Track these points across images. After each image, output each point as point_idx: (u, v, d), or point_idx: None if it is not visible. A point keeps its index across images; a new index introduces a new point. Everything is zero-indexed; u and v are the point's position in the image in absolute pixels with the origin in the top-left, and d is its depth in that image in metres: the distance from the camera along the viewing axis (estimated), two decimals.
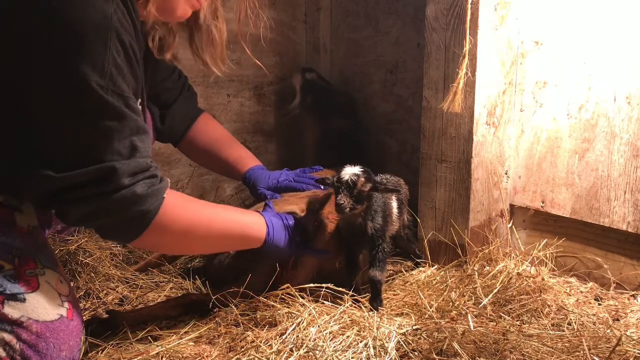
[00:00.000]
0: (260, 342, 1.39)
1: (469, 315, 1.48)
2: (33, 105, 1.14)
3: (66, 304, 1.25)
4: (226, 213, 1.54)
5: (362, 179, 1.56)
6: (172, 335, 1.52)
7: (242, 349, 1.40)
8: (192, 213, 1.40)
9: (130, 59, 1.19)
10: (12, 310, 1.16)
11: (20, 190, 1.26)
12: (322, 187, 1.79)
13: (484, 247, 1.94)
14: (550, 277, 1.84)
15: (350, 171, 1.57)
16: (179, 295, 1.75)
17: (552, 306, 1.62)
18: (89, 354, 1.41)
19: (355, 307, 1.59)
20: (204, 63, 1.43)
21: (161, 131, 1.89)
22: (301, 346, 1.35)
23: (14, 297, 1.17)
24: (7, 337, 1.14)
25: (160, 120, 1.88)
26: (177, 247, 1.52)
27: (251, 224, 1.54)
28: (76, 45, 1.09)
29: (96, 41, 1.10)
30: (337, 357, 1.32)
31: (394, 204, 1.76)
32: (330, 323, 1.45)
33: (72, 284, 1.37)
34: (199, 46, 1.39)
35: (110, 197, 1.18)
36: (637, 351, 1.31)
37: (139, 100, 1.38)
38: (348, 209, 1.54)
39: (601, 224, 1.83)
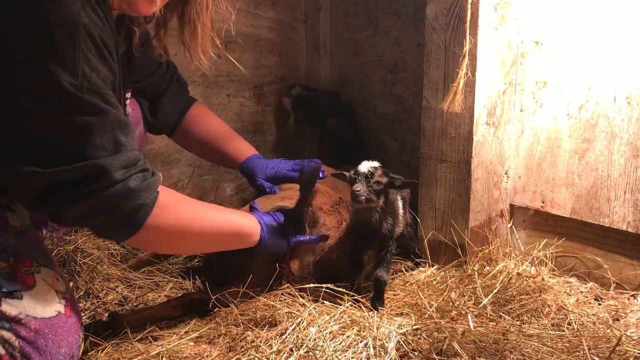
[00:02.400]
0: (260, 342, 1.39)
1: (469, 315, 1.48)
2: (14, 104, 1.13)
3: (63, 301, 1.25)
4: (219, 212, 1.54)
5: (380, 171, 1.59)
6: (172, 335, 1.52)
7: (242, 349, 1.40)
8: (186, 210, 1.40)
9: (103, 53, 1.17)
10: (9, 308, 1.16)
11: (10, 190, 1.25)
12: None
13: (484, 247, 1.94)
14: (550, 277, 1.84)
15: (368, 164, 1.61)
16: (179, 295, 1.75)
17: (552, 306, 1.62)
18: (89, 353, 1.41)
19: (355, 307, 1.59)
20: (191, 57, 1.43)
21: (152, 124, 1.90)
22: (301, 346, 1.35)
23: (11, 295, 1.17)
24: (6, 334, 1.14)
25: (151, 113, 1.88)
26: (172, 245, 1.49)
27: (245, 223, 1.54)
28: (44, 46, 1.08)
29: (64, 40, 1.09)
30: (337, 357, 1.32)
31: (400, 204, 1.77)
32: (330, 323, 1.45)
33: (70, 283, 1.37)
34: (185, 39, 1.40)
35: (103, 194, 1.18)
36: (637, 351, 1.31)
37: (124, 94, 1.37)
38: (364, 197, 1.55)
39: (601, 224, 1.83)
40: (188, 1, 1.33)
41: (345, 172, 1.66)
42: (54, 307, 1.22)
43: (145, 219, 1.26)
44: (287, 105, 2.85)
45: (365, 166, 1.60)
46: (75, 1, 1.09)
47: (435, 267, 1.96)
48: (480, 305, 1.59)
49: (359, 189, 1.55)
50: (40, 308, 1.19)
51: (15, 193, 1.25)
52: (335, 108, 2.78)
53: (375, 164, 1.62)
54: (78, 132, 1.15)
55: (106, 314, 1.59)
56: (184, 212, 1.38)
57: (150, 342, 1.48)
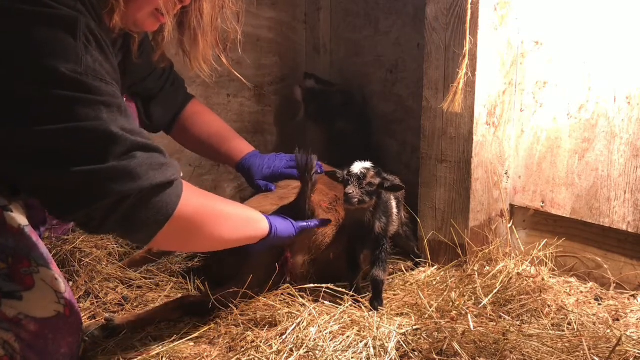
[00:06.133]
0: (260, 342, 1.39)
1: (469, 315, 1.48)
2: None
3: (63, 301, 1.24)
4: (234, 207, 1.54)
5: (372, 172, 1.59)
6: (172, 335, 1.52)
7: (242, 349, 1.40)
8: (209, 201, 1.40)
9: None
10: (9, 309, 1.15)
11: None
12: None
13: (484, 247, 1.94)
14: (550, 277, 1.84)
15: (360, 165, 1.60)
16: (179, 296, 1.75)
17: (552, 306, 1.62)
18: (89, 354, 1.41)
19: (355, 307, 1.59)
20: (191, 64, 1.43)
21: (147, 124, 1.91)
22: (301, 346, 1.35)
23: (11, 296, 1.17)
24: (6, 335, 1.14)
25: (145, 115, 1.89)
26: (199, 237, 1.39)
27: (253, 213, 1.56)
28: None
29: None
30: (337, 357, 1.32)
31: (393, 203, 1.77)
32: (330, 323, 1.44)
33: (69, 283, 1.36)
34: (185, 47, 1.40)
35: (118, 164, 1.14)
36: (637, 351, 1.31)
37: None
38: (356, 200, 1.55)
39: (601, 224, 1.83)
40: (188, 9, 1.33)
41: (338, 171, 1.67)
42: (53, 307, 1.22)
43: (180, 195, 1.24)
44: (298, 96, 2.77)
45: (357, 167, 1.59)
46: (78, 46, 1.09)
47: (435, 267, 1.96)
48: (480, 305, 1.59)
49: (351, 191, 1.55)
50: (40, 308, 1.19)
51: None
52: (348, 109, 2.72)
53: (368, 164, 1.61)
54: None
55: (104, 318, 1.58)
56: (206, 201, 1.38)
57: (150, 342, 1.48)
